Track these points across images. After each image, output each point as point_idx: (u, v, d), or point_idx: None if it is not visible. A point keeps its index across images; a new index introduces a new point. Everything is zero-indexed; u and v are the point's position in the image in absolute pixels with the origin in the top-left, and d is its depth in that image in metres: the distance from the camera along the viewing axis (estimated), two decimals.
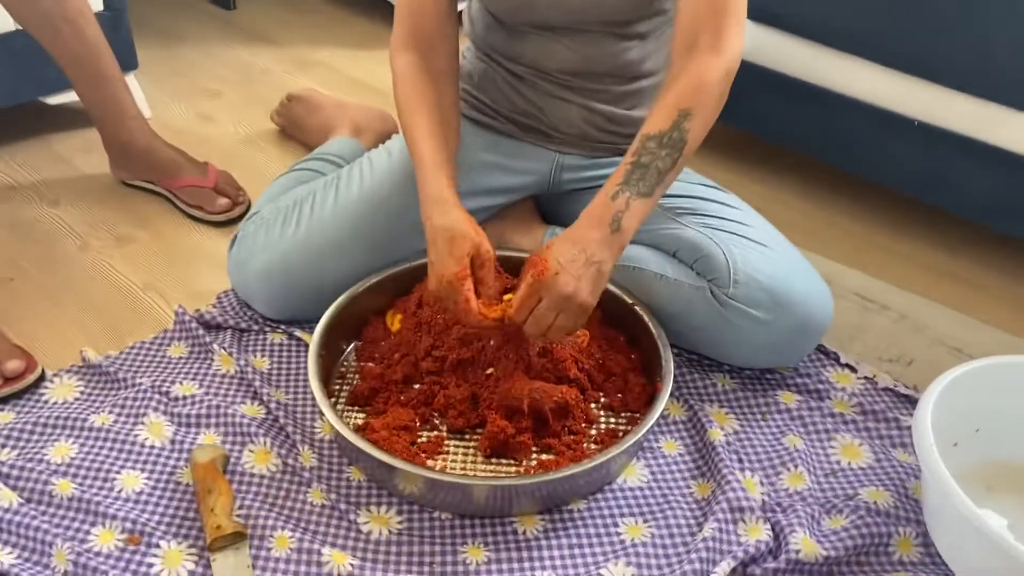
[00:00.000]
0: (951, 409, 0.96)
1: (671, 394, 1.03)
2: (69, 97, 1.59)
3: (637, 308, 1.11)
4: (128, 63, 1.61)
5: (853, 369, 1.16)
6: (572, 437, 1.02)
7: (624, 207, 0.94)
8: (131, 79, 1.61)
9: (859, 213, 1.52)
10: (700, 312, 1.08)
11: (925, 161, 1.37)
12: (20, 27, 1.47)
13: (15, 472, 0.96)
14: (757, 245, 1.09)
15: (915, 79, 1.34)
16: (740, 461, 1.02)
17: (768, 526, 0.94)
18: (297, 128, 1.65)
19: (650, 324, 1.09)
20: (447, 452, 1.02)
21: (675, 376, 1.05)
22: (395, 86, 1.09)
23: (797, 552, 0.90)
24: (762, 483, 1.00)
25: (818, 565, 0.91)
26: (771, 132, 1.56)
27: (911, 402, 1.12)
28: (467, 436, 1.04)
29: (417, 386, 1.07)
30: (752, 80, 1.51)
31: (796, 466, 1.02)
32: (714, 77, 0.97)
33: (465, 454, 1.02)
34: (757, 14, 1.46)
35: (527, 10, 1.10)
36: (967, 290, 1.35)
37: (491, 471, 1.00)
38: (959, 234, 1.46)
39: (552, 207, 1.29)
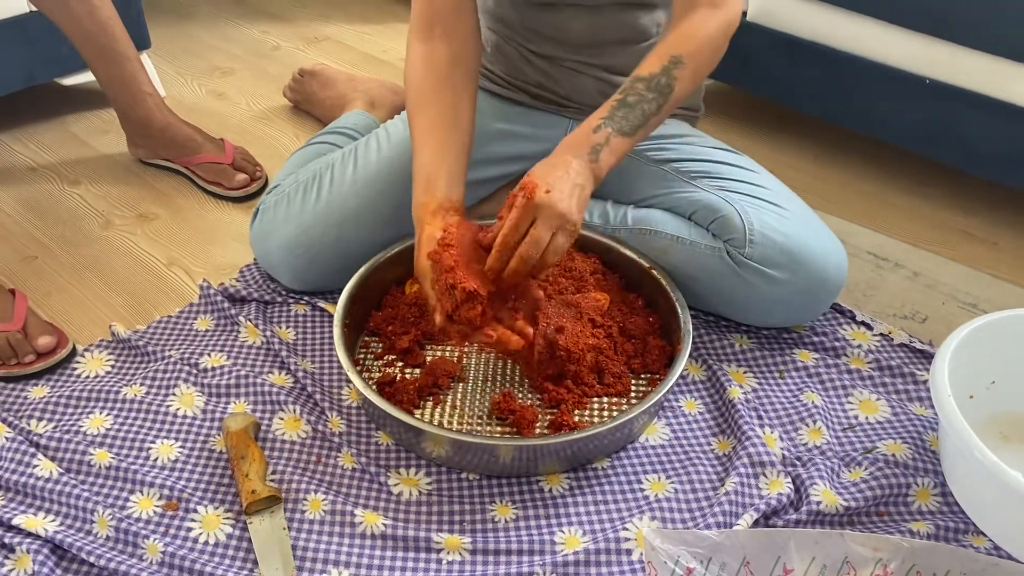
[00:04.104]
0: (967, 362, 0.98)
1: (690, 355, 1.05)
2: (84, 78, 1.61)
3: (654, 271, 1.12)
4: (141, 42, 1.62)
5: (869, 326, 1.18)
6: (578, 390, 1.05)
7: (603, 141, 0.95)
8: (144, 58, 1.62)
9: (872, 173, 1.53)
10: (717, 273, 1.09)
11: (937, 119, 1.38)
12: (35, 9, 1.48)
13: (53, 443, 0.99)
14: (772, 206, 1.10)
15: (925, 37, 1.34)
16: (759, 418, 1.04)
17: (789, 479, 0.96)
18: (310, 103, 1.66)
19: (667, 287, 1.11)
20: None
21: (693, 337, 1.07)
22: (404, 79, 1.09)
23: (818, 504, 0.93)
24: (781, 438, 1.02)
25: (839, 516, 0.93)
26: (782, 95, 1.56)
27: (927, 357, 1.13)
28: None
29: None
30: (762, 44, 1.52)
31: (814, 421, 1.04)
32: (709, 29, 0.98)
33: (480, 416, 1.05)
34: None
35: None
36: (980, 247, 1.36)
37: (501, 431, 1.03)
38: (972, 192, 1.47)
39: None
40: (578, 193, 0.93)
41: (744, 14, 1.53)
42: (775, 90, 1.57)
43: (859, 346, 1.15)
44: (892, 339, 1.16)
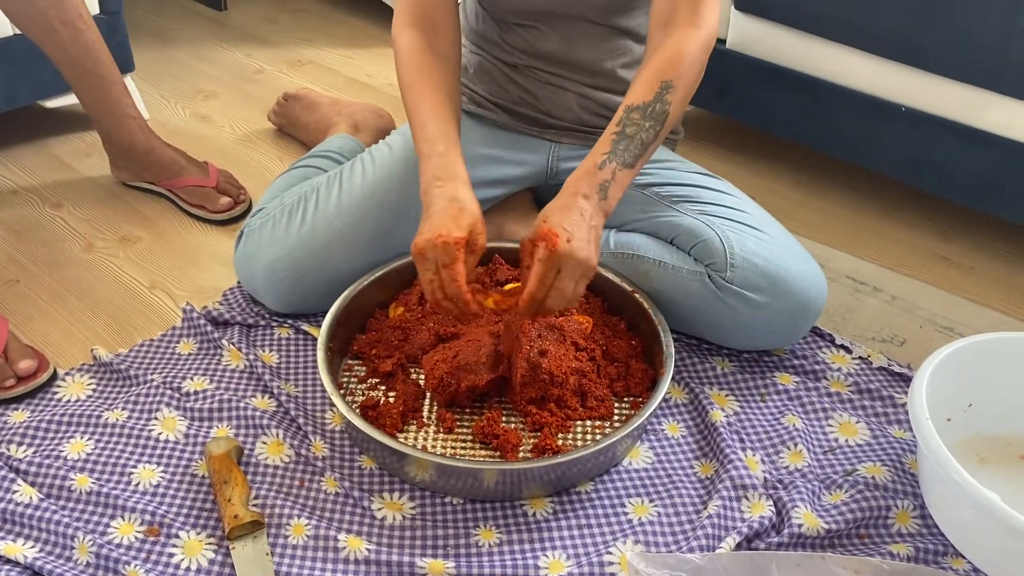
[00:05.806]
0: (944, 385, 0.99)
1: (672, 378, 1.06)
2: (66, 101, 1.61)
3: (637, 295, 1.13)
4: (125, 65, 1.62)
5: (848, 350, 1.19)
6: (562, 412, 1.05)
7: (610, 177, 0.96)
8: (128, 81, 1.63)
9: (850, 199, 1.55)
10: (699, 297, 1.11)
11: (913, 146, 1.40)
12: (18, 32, 1.48)
13: (33, 468, 0.98)
14: (752, 230, 1.12)
15: (901, 66, 1.37)
16: (741, 441, 1.05)
17: (771, 502, 0.96)
18: (294, 127, 1.67)
19: (650, 310, 1.12)
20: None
21: (675, 361, 1.08)
22: (398, 64, 1.08)
23: (800, 526, 0.93)
24: (763, 461, 1.03)
25: (820, 538, 0.94)
26: (762, 121, 1.59)
27: (905, 380, 1.15)
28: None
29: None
30: (742, 70, 1.54)
31: (796, 444, 1.05)
32: (694, 49, 0.99)
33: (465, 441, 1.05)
34: (746, 5, 1.49)
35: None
36: (957, 272, 1.39)
37: (486, 455, 1.03)
38: (949, 217, 1.50)
39: (549, 198, 1.31)
40: (594, 235, 0.95)
41: (724, 42, 1.55)
42: (754, 116, 1.59)
43: (839, 369, 1.16)
44: (871, 362, 1.17)
